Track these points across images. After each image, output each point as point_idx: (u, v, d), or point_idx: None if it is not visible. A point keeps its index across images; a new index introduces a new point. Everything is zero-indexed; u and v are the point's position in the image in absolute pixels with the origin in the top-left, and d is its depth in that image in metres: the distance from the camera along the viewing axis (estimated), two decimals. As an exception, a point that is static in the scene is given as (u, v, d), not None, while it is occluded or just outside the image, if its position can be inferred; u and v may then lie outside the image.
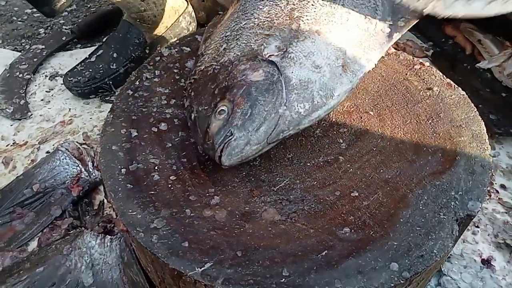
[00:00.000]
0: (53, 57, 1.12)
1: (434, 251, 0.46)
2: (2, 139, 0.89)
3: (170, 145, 0.58)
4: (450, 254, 0.66)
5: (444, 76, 0.68)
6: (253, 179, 0.55)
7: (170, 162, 0.56)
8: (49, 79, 1.05)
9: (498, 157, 0.82)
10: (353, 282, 0.43)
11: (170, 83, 0.67)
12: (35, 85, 1.04)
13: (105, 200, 0.76)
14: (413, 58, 0.71)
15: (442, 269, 0.64)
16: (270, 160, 0.56)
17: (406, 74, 0.69)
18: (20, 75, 1.03)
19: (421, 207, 0.50)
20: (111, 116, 0.62)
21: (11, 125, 0.93)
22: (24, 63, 1.07)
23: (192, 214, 0.50)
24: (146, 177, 0.54)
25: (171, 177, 0.54)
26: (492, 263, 0.66)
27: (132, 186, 0.52)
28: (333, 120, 0.62)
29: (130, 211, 0.49)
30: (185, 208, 0.50)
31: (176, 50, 0.73)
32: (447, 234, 0.48)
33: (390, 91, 0.66)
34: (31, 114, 0.95)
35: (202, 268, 0.44)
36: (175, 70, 0.70)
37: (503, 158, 0.82)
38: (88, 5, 1.32)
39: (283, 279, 0.43)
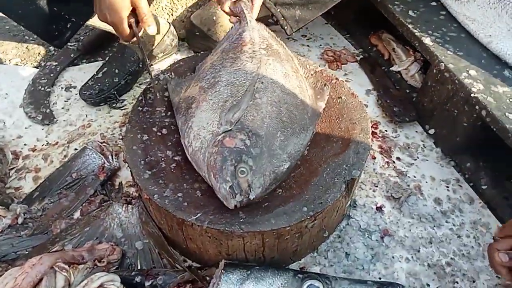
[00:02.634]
0: (65, 72, 1.39)
1: (328, 200, 0.80)
2: (38, 140, 1.19)
3: (170, 143, 0.90)
4: (356, 205, 1.01)
5: (350, 88, 1.01)
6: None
7: (171, 155, 0.88)
8: (65, 90, 1.33)
9: (398, 137, 1.17)
10: (281, 219, 0.77)
11: (165, 101, 0.99)
12: (55, 96, 1.32)
13: (123, 182, 1.08)
14: (332, 74, 1.04)
15: (350, 215, 0.99)
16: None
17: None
18: (42, 88, 1.31)
19: (324, 176, 0.84)
20: (129, 126, 0.93)
21: (42, 129, 1.22)
22: (43, 78, 1.34)
23: (187, 187, 0.82)
24: (157, 165, 0.86)
25: (172, 165, 0.86)
26: (382, 209, 1.01)
27: (149, 171, 0.84)
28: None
29: (150, 186, 0.82)
30: (183, 183, 0.83)
31: (168, 74, 1.04)
32: (338, 190, 0.81)
33: (316, 99, 0.99)
34: (57, 120, 1.24)
35: (196, 216, 0.77)
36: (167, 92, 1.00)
37: (402, 138, 1.17)
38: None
39: (241, 219, 0.76)
